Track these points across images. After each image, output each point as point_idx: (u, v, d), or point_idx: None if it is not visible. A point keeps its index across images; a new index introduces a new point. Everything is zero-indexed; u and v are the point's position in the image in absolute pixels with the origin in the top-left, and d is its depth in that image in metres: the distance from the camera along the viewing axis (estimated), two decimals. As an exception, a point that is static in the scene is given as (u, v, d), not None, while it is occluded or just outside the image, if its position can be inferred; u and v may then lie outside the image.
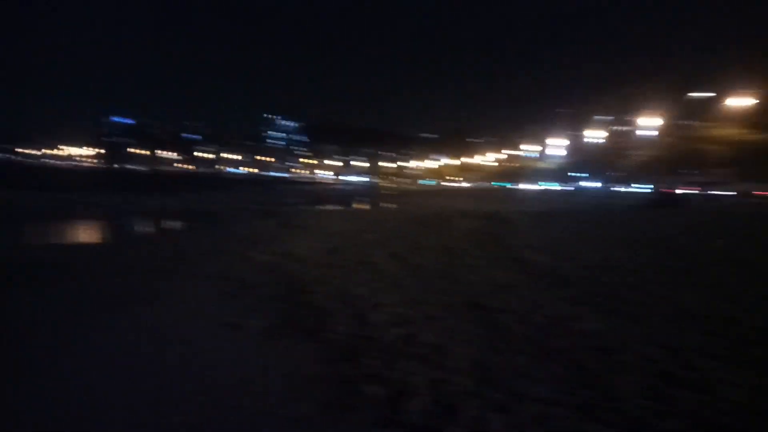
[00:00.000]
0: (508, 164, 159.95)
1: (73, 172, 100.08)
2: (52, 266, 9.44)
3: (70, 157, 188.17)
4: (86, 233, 17.49)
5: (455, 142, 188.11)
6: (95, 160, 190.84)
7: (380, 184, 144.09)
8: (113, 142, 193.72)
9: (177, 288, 7.76)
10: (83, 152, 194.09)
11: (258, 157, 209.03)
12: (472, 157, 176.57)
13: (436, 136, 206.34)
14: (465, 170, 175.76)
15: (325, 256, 10.82)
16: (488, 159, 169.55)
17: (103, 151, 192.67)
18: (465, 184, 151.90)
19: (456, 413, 3.77)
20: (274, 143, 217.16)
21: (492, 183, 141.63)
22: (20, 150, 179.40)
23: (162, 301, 6.98)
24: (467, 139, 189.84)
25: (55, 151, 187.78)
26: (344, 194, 63.68)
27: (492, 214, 23.82)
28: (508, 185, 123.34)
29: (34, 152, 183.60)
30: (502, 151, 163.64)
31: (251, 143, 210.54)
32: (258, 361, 4.84)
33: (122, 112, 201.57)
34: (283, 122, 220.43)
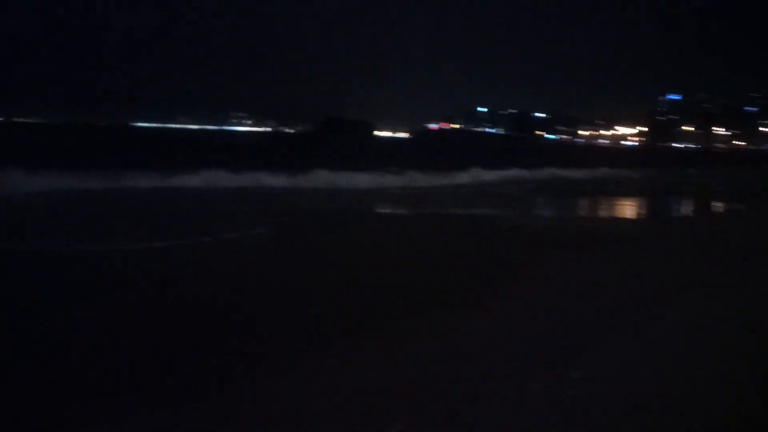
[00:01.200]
0: None
1: (608, 149, 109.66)
2: (601, 236, 10.43)
3: (618, 137, 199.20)
4: (624, 209, 18.31)
5: None
6: (640, 139, 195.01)
7: None
8: (660, 121, 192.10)
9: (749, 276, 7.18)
10: (630, 132, 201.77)
11: None
12: None
13: None
14: None
15: None
16: None
17: (646, 129, 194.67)
18: None
19: None
20: None
21: None
22: (580, 132, 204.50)
23: (727, 287, 6.59)
24: None
25: (609, 132, 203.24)
26: None
27: None
28: None
29: (585, 134, 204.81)
30: None
31: None
32: None
33: (674, 89, 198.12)
34: None
